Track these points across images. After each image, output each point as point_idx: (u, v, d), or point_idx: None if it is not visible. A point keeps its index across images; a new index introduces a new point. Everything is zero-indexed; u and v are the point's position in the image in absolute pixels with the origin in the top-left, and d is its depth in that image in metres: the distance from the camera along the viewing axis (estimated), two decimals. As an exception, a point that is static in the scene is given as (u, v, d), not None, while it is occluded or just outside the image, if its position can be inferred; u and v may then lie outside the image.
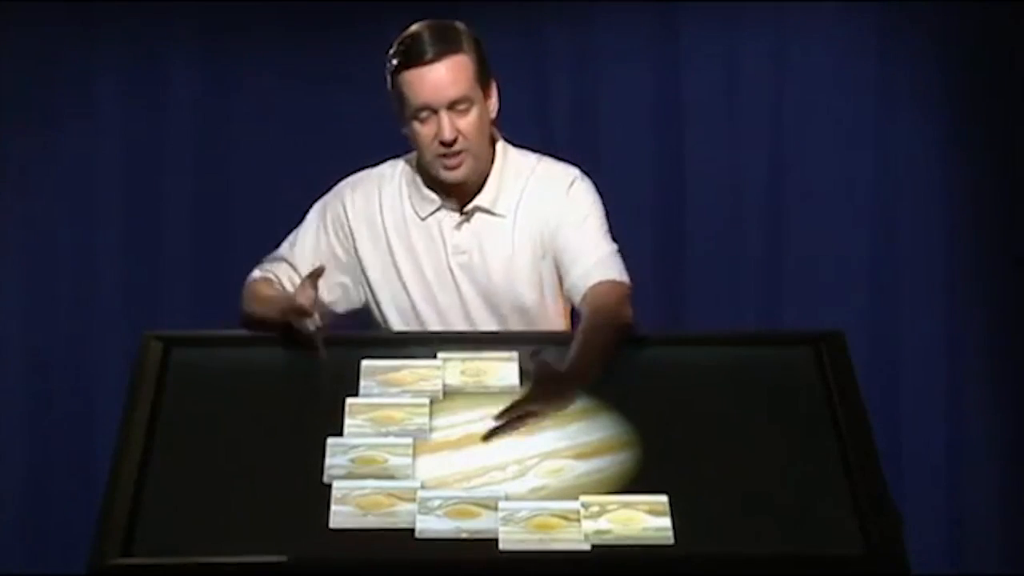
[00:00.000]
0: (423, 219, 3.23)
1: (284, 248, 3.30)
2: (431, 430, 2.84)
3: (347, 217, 3.26)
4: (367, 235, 3.25)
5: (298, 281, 3.19)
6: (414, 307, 3.22)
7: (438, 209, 3.22)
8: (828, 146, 4.65)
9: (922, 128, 4.64)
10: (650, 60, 4.67)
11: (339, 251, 3.26)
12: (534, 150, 3.31)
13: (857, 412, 2.86)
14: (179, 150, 4.65)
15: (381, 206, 3.26)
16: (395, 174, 3.28)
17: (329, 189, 3.33)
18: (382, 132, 4.45)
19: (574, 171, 3.28)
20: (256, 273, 3.29)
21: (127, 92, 4.64)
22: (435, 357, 3.01)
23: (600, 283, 3.14)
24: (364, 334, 3.23)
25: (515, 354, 3.01)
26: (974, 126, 4.61)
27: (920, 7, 4.60)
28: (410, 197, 3.25)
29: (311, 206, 3.31)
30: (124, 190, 4.65)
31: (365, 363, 2.99)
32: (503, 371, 2.98)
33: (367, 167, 3.34)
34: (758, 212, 4.66)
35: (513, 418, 2.82)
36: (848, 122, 4.64)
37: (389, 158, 3.33)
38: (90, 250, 4.64)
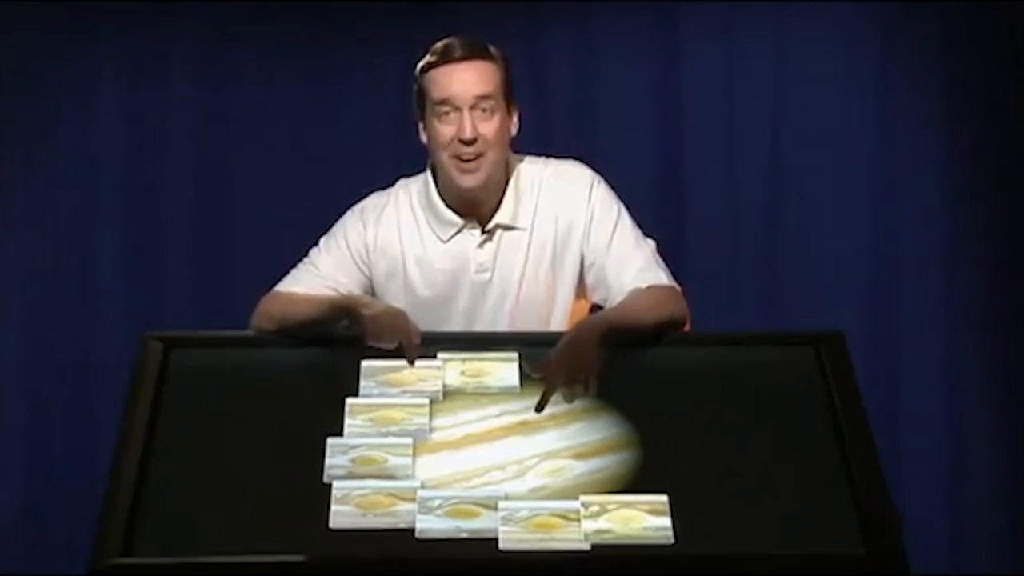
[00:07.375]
0: (445, 241, 3.22)
1: (308, 275, 3.24)
2: (431, 430, 2.84)
3: (367, 248, 3.24)
4: (384, 268, 3.24)
5: None
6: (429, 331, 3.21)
7: (459, 231, 3.22)
8: (828, 146, 4.64)
9: (922, 128, 4.63)
10: (650, 60, 4.66)
11: (360, 278, 3.25)
12: (535, 153, 3.31)
13: (857, 412, 2.86)
14: (179, 149, 4.64)
15: (400, 238, 3.24)
16: (410, 200, 3.26)
17: (342, 201, 3.30)
18: (383, 131, 4.50)
19: (587, 170, 3.28)
20: (284, 287, 3.22)
21: (127, 90, 4.64)
22: (435, 357, 3.01)
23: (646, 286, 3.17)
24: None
25: (515, 354, 3.01)
26: (975, 126, 4.60)
27: (920, 7, 4.59)
28: (428, 222, 3.23)
29: (330, 224, 3.28)
30: (124, 190, 4.64)
31: (365, 363, 2.99)
32: (503, 371, 2.98)
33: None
34: (758, 212, 4.65)
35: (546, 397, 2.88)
36: (848, 122, 4.64)
37: (398, 176, 3.31)
38: (90, 250, 4.64)
